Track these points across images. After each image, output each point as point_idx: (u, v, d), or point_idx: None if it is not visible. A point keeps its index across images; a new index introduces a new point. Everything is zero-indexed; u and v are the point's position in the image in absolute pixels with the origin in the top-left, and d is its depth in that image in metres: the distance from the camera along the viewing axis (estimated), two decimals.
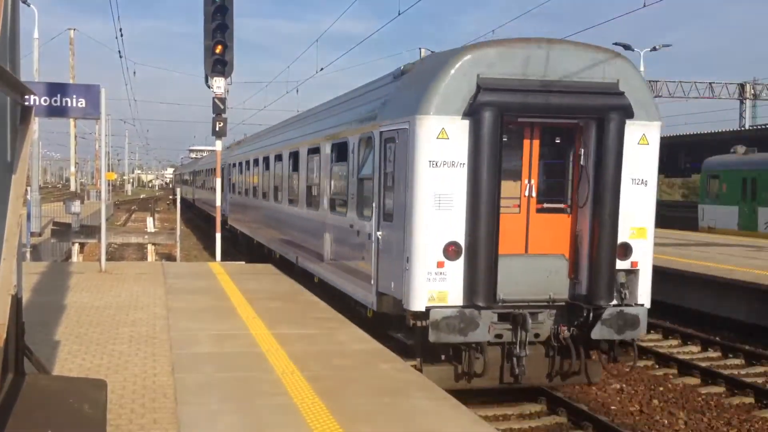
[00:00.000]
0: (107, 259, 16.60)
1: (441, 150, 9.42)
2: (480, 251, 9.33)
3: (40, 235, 24.38)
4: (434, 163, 9.45)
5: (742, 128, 53.71)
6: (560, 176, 10.17)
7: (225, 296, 13.06)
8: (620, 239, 9.83)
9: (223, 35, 18.21)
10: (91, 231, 22.27)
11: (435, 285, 9.51)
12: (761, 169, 29.36)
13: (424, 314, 9.44)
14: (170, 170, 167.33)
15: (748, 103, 61.83)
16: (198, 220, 50.55)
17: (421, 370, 9.47)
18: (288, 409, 6.82)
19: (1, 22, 3.16)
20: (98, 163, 55.63)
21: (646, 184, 10.25)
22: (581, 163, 9.79)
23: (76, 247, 22.11)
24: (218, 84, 18.73)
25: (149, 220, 32.26)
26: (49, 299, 12.21)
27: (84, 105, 14.38)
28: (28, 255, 19.88)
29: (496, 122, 9.22)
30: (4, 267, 3.48)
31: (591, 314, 9.65)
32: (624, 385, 11.91)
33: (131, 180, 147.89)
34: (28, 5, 28.80)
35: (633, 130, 9.82)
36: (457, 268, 9.50)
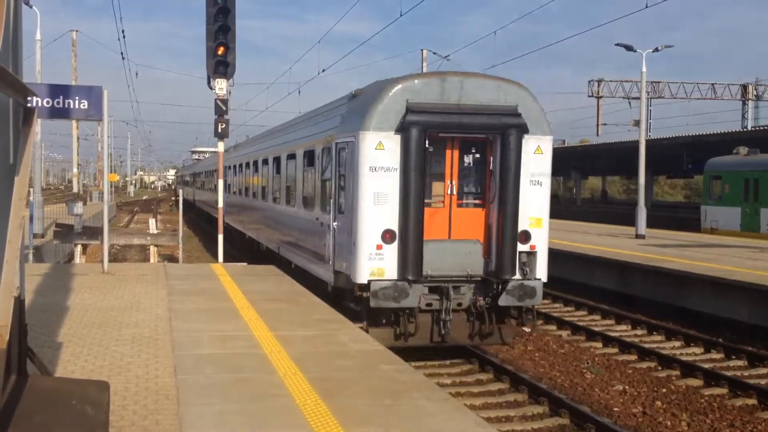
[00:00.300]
0: (110, 261, 16.62)
1: (379, 158, 11.91)
2: (410, 237, 11.76)
3: (42, 236, 24.41)
4: (374, 168, 11.94)
5: (745, 129, 53.65)
6: (475, 178, 12.64)
7: (227, 297, 13.07)
8: (521, 228, 12.41)
9: (225, 37, 18.22)
10: (94, 232, 22.29)
11: (375, 263, 11.97)
12: (764, 170, 29.33)
13: (366, 286, 11.87)
14: (172, 172, 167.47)
15: (750, 104, 61.82)
16: (199, 220, 51.75)
17: (367, 332, 11.62)
18: (290, 410, 6.82)
19: (3, 24, 3.17)
20: (101, 164, 55.69)
21: (541, 185, 12.77)
22: (490, 168, 12.37)
23: (78, 249, 22.15)
24: (220, 85, 18.73)
25: (151, 222, 32.30)
26: (51, 301, 12.22)
27: (86, 107, 14.38)
28: (30, 256, 19.90)
29: (421, 137, 11.73)
30: (7, 269, 3.49)
31: (499, 286, 12.20)
32: (627, 387, 11.90)
33: (134, 181, 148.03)
34: (31, 7, 28.83)
35: (530, 143, 12.38)
36: (392, 250, 11.94)
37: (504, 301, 12.21)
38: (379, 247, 11.96)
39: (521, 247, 12.44)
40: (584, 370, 12.87)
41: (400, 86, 12.02)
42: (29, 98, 3.95)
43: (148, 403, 6.98)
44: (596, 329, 15.99)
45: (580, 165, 73.46)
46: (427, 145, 11.85)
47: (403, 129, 11.76)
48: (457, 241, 12.35)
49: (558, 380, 12.30)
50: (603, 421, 9.88)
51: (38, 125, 23.64)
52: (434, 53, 45.35)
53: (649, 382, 12.21)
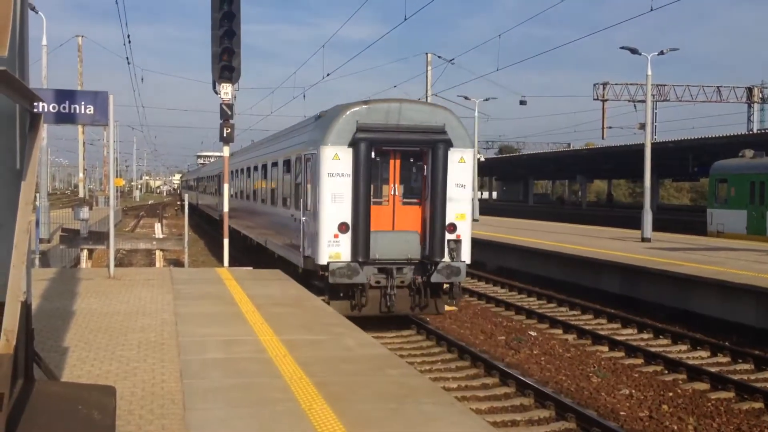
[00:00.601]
0: (116, 265, 16.64)
1: (335, 166, 14.89)
2: (360, 228, 14.74)
3: (49, 241, 24.46)
4: (331, 174, 14.92)
5: (750, 132, 53.53)
6: (414, 182, 15.61)
7: (233, 302, 13.08)
8: (449, 221, 15.18)
9: (230, 41, 18.26)
10: (100, 237, 22.31)
11: (333, 249, 14.93)
12: None
13: (326, 267, 14.91)
14: (178, 176, 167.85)
15: (756, 106, 61.70)
16: (202, 222, 52.53)
17: (329, 303, 14.36)
18: (296, 414, 6.82)
19: (9, 30, 3.18)
20: (106, 169, 55.85)
21: (465, 187, 15.52)
22: (425, 174, 15.27)
23: (84, 254, 22.16)
24: (226, 90, 18.77)
25: (157, 226, 32.37)
26: (58, 305, 12.24)
27: (92, 112, 14.41)
28: (37, 261, 19.95)
29: (368, 150, 14.74)
30: (14, 274, 3.49)
31: (432, 267, 15.07)
32: (633, 391, 11.87)
33: (139, 186, 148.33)
34: (37, 12, 28.93)
35: (455, 154, 15.25)
36: (346, 238, 14.88)
37: (436, 278, 15.18)
38: (336, 236, 14.95)
39: (449, 236, 15.24)
40: (590, 374, 12.84)
41: (351, 110, 15.07)
42: (35, 103, 3.95)
43: (154, 408, 6.99)
44: (602, 333, 15.96)
45: (586, 168, 73.46)
46: (373, 156, 14.94)
47: (354, 144, 14.77)
48: (399, 232, 15.41)
49: (564, 384, 12.27)
50: (609, 425, 9.85)
51: (44, 130, 23.68)
52: (439, 57, 45.45)
53: (656, 385, 12.17)
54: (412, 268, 15.29)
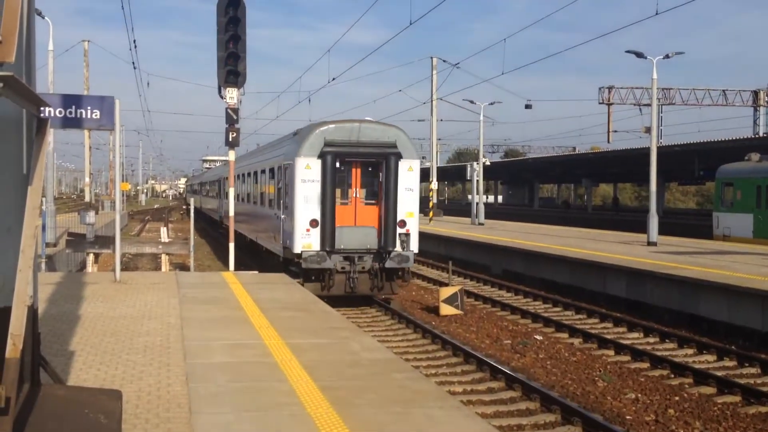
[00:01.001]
0: (122, 269, 16.67)
1: (307, 174, 18.20)
2: (326, 223, 18.12)
3: (55, 245, 24.52)
4: (304, 180, 18.21)
5: (757, 135, 53.41)
6: (372, 186, 18.95)
7: (238, 306, 13.09)
8: (400, 218, 18.54)
9: (235, 46, 18.30)
10: (106, 241, 22.37)
11: (305, 240, 18.28)
12: None
13: (300, 255, 18.30)
14: (183, 180, 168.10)
15: (762, 110, 61.54)
16: (205, 225, 53.50)
17: (303, 285, 17.24)
18: (301, 418, 6.82)
19: (16, 35, 3.19)
20: (112, 173, 56.06)
21: (413, 191, 18.82)
22: (380, 180, 18.64)
23: (90, 258, 22.22)
24: (231, 94, 18.80)
25: (163, 230, 32.39)
26: (64, 309, 12.27)
27: (98, 116, 14.45)
28: (43, 265, 19.99)
29: (333, 161, 18.14)
30: (21, 278, 3.51)
31: (387, 255, 18.44)
32: (639, 395, 11.84)
33: (145, 190, 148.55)
34: (43, 18, 29.02)
35: (404, 164, 18.63)
36: (316, 232, 18.22)
37: (389, 264, 18.55)
38: (308, 230, 18.27)
39: (400, 230, 18.60)
40: (596, 378, 12.82)
41: (321, 129, 18.51)
42: (42, 108, 3.97)
43: (160, 412, 7.00)
44: (608, 337, 15.92)
45: (591, 172, 73.34)
46: (339, 166, 18.31)
47: (322, 156, 18.13)
48: (360, 227, 18.73)
49: (570, 388, 12.25)
50: (615, 429, 9.83)
51: (51, 135, 23.77)
52: (444, 61, 45.50)
53: (662, 389, 12.14)
54: (370, 256, 18.66)
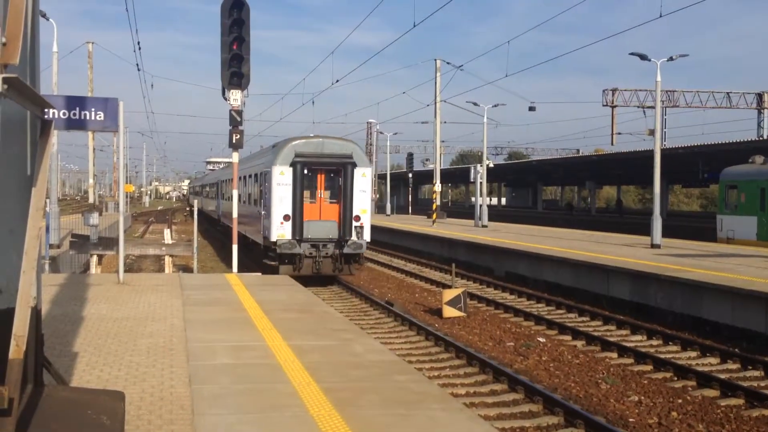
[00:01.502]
0: (125, 271, 16.70)
1: (281, 179, 22.60)
2: (297, 217, 22.49)
3: (58, 247, 24.56)
4: (279, 184, 22.59)
5: (761, 138, 53.32)
6: (334, 189, 23.39)
7: (241, 307, 13.10)
8: (355, 213, 22.81)
9: (239, 48, 18.32)
10: (110, 243, 22.39)
11: (280, 231, 22.54)
12: None
13: (276, 242, 22.58)
14: (187, 182, 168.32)
15: (766, 112, 61.41)
16: (209, 226, 54.01)
17: (278, 267, 22.49)
18: (304, 420, 6.83)
19: (21, 37, 3.20)
20: (116, 175, 56.26)
21: (365, 192, 23.26)
22: (340, 184, 23.04)
23: (94, 259, 22.24)
24: (235, 96, 18.82)
25: (166, 232, 32.40)
26: (67, 311, 12.29)
27: (102, 118, 14.47)
28: (47, 267, 20.03)
29: (302, 168, 22.55)
30: (24, 279, 3.52)
31: (345, 243, 22.78)
32: (642, 397, 11.82)
33: (149, 192, 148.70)
34: (48, 19, 29.08)
35: (359, 171, 23.04)
36: (289, 224, 22.51)
37: (347, 250, 22.98)
38: (282, 223, 22.56)
39: (355, 224, 22.95)
40: (599, 381, 12.80)
41: (293, 143, 23.14)
42: (46, 110, 3.98)
43: (163, 413, 7.01)
44: (611, 339, 15.90)
45: (595, 174, 73.28)
46: (307, 173, 22.90)
47: (293, 165, 22.63)
48: (324, 221, 23.12)
49: (573, 391, 12.24)
50: (618, 431, 9.81)
51: (55, 137, 23.81)
52: (448, 63, 45.47)
53: (665, 392, 12.12)
54: (332, 244, 23.12)
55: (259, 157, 28.60)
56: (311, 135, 24.53)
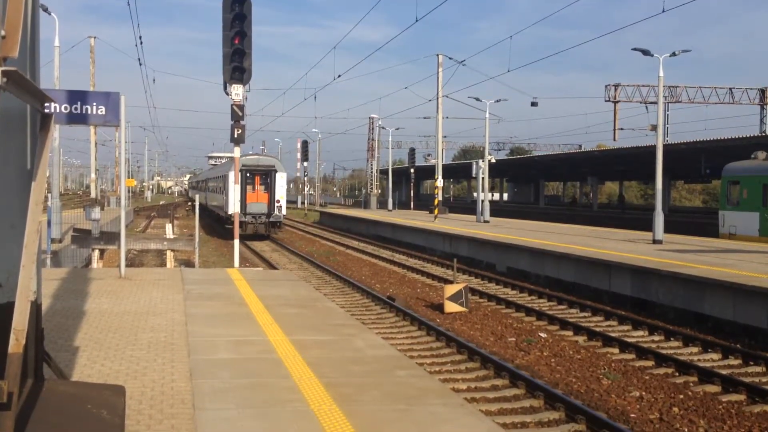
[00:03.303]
0: (127, 266, 16.70)
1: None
2: (243, 200, 39.21)
3: (60, 241, 24.57)
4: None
5: (763, 134, 53.22)
6: (264, 185, 41.46)
7: (243, 302, 13.11)
8: (277, 198, 41.09)
9: (241, 43, 18.30)
10: (111, 237, 22.40)
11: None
12: None
13: (230, 215, 33.01)
14: (189, 177, 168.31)
15: None
16: (211, 221, 54.16)
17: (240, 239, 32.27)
18: (304, 415, 6.83)
19: (20, 31, 3.19)
20: (118, 170, 56.18)
21: (283, 187, 42.01)
22: (267, 182, 41.59)
23: (96, 254, 22.26)
24: (237, 91, 18.80)
25: (168, 227, 32.44)
26: (68, 305, 12.29)
27: (104, 112, 14.46)
28: (48, 261, 20.03)
29: (245, 174, 40.14)
30: (24, 273, 3.51)
31: (270, 215, 41.03)
32: (643, 393, 11.82)
33: (151, 187, 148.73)
34: (49, 14, 29.07)
35: (279, 175, 41.54)
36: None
37: (272, 219, 40.60)
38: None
39: (277, 205, 40.04)
40: (601, 376, 12.80)
41: (242, 159, 29.27)
42: (46, 104, 3.97)
43: (163, 408, 7.01)
44: (613, 335, 15.90)
45: (597, 170, 73.20)
46: (248, 176, 40.29)
47: (241, 171, 33.33)
48: (259, 203, 40.43)
49: (574, 386, 12.24)
50: (619, 427, 9.82)
51: (56, 131, 23.81)
52: (450, 58, 45.46)
53: (666, 388, 12.12)
54: (263, 216, 39.98)
55: (222, 167, 51.63)
56: (251, 154, 47.81)
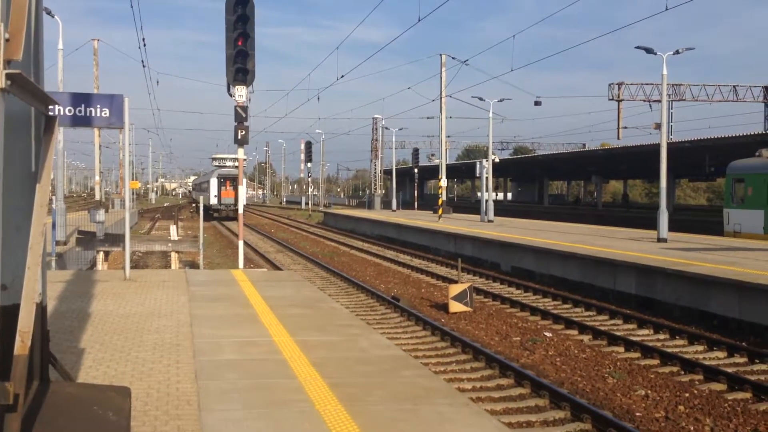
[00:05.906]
0: (131, 267, 16.72)
1: (214, 183, 66.34)
2: (219, 195, 65.72)
3: (65, 243, 24.63)
4: (213, 185, 66.45)
5: (767, 131, 53.07)
6: (234, 187, 60.88)
7: (247, 303, 13.12)
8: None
9: (244, 44, 18.31)
10: (116, 239, 22.45)
11: (213, 201, 64.37)
12: None
13: (212, 205, 64.56)
14: (193, 178, 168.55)
15: None
16: (216, 222, 58.01)
17: (212, 215, 65.01)
18: (310, 415, 6.83)
19: (24, 34, 3.20)
20: (122, 172, 57.01)
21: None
22: (235, 185, 60.23)
23: (100, 256, 22.31)
24: (240, 92, 18.82)
25: (172, 228, 32.50)
26: (74, 307, 12.32)
27: (108, 115, 14.48)
28: (53, 263, 20.08)
29: (221, 180, 65.76)
30: (29, 275, 3.52)
31: (234, 206, 60.83)
32: (649, 392, 11.81)
33: (155, 188, 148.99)
34: (53, 17, 29.09)
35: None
36: (216, 198, 65.91)
37: (236, 208, 42.53)
38: (214, 197, 63.42)
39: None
40: (606, 375, 12.79)
41: (218, 172, 67.50)
42: (51, 107, 3.98)
43: (169, 409, 7.02)
44: (618, 333, 15.88)
45: (601, 169, 73.11)
46: (223, 181, 64.70)
47: (218, 178, 65.28)
48: (229, 197, 63.02)
49: (579, 385, 12.23)
50: (625, 425, 9.80)
51: (60, 133, 23.84)
52: (453, 58, 45.47)
53: (672, 386, 12.10)
54: (230, 205, 61.55)
55: (206, 175, 74.27)
56: (227, 166, 74.31)
